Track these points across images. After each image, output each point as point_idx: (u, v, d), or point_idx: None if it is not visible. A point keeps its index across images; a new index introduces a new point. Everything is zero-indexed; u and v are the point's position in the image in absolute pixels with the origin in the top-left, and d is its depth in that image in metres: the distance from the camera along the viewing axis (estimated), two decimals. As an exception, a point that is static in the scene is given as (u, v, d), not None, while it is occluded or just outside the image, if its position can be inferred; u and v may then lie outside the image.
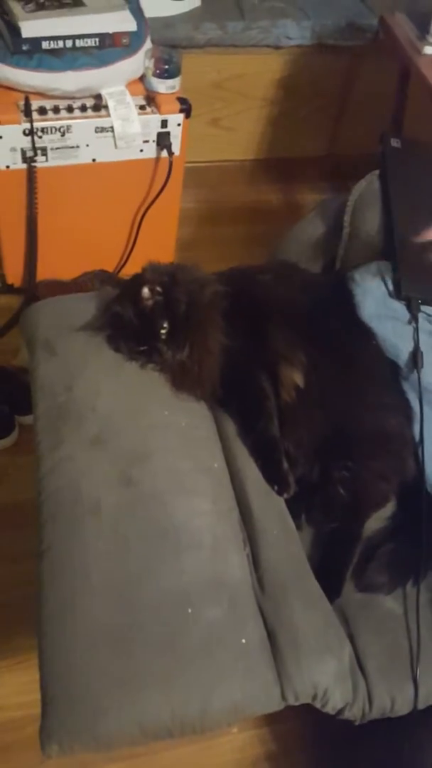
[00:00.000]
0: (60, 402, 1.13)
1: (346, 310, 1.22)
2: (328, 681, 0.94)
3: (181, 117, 1.70)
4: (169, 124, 1.69)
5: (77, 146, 1.67)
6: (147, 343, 1.13)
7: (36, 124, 1.59)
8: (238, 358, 1.13)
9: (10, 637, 1.40)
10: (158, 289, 1.12)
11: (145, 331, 1.13)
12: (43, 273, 1.84)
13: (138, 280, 1.15)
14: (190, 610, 0.93)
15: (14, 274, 1.89)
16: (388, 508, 1.14)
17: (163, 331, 1.12)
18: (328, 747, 1.31)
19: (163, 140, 1.71)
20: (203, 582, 0.96)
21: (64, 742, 0.85)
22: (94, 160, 1.70)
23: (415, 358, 1.17)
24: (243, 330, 1.15)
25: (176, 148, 1.73)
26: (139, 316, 1.13)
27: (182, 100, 1.70)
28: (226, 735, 1.36)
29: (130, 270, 1.93)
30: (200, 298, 1.15)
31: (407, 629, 1.02)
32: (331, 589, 1.03)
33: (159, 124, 1.69)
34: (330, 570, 1.06)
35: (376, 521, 1.13)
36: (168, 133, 1.71)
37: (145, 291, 1.11)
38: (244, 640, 0.93)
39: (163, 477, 1.06)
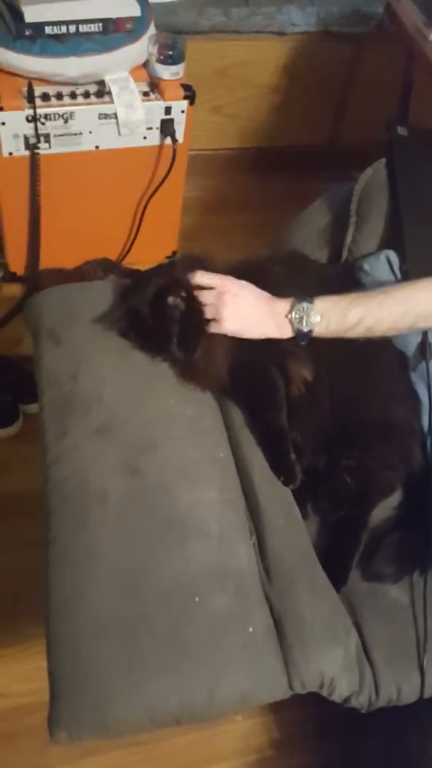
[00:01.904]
0: (65, 391, 1.12)
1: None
2: (334, 669, 0.94)
3: (185, 104, 1.68)
4: (172, 110, 1.68)
5: (80, 133, 1.65)
6: (158, 344, 1.11)
7: (39, 111, 1.58)
8: (248, 354, 1.11)
9: (15, 625, 1.40)
10: (183, 294, 1.08)
11: (157, 332, 1.10)
12: (46, 261, 1.84)
13: (165, 276, 1.11)
14: (196, 599, 0.93)
15: (17, 263, 1.88)
16: (395, 498, 1.14)
17: (175, 333, 1.10)
18: (333, 735, 1.32)
19: (166, 127, 1.70)
20: (210, 571, 0.96)
21: (72, 729, 0.85)
22: (97, 147, 1.69)
23: (424, 348, 1.17)
24: None
25: (180, 135, 1.72)
26: (155, 317, 1.09)
27: (186, 87, 1.68)
28: (231, 723, 1.37)
29: (133, 258, 1.94)
30: None
31: (414, 618, 1.02)
32: (338, 578, 1.03)
33: (163, 110, 1.67)
34: (336, 559, 1.06)
35: (383, 511, 1.13)
36: (171, 120, 1.69)
37: (171, 299, 1.07)
38: (250, 629, 0.93)
39: (170, 466, 1.05)
